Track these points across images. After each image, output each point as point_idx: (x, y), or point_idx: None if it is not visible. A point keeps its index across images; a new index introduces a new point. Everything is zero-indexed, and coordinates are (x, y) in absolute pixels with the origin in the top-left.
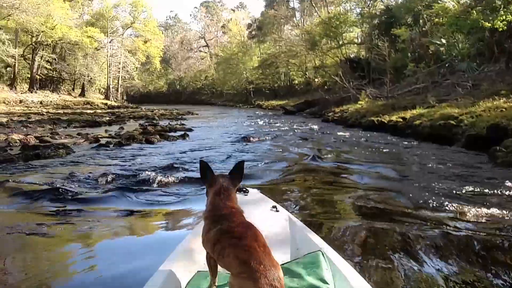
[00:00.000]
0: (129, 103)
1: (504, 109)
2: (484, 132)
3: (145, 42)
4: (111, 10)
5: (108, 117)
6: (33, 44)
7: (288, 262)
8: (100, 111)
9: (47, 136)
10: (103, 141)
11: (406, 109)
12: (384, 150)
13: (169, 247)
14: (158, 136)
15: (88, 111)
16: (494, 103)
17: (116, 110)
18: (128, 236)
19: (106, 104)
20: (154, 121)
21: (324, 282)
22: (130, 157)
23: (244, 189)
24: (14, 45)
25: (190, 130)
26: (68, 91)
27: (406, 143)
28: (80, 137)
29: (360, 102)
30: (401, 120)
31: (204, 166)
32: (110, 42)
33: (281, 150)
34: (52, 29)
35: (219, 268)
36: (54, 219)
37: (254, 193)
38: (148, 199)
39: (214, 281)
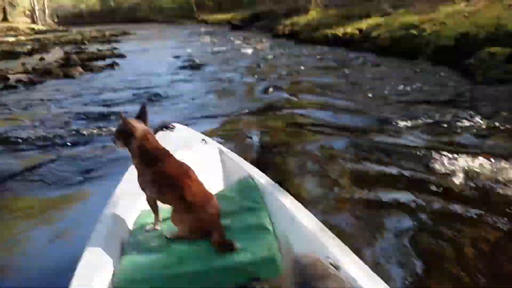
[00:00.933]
0: (60, 25)
1: (467, 15)
2: (453, 43)
3: None
4: None
5: (30, 46)
6: None
7: (221, 190)
8: (24, 37)
9: None
10: (13, 79)
11: (361, 18)
12: (341, 71)
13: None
14: (80, 68)
15: (10, 39)
16: (454, 7)
17: (43, 35)
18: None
19: (33, 29)
20: (82, 47)
21: (256, 202)
22: (38, 101)
23: (170, 125)
24: None
25: (122, 56)
26: None
27: (364, 59)
28: None
29: (310, 13)
30: (357, 32)
31: (122, 118)
32: None
33: (227, 79)
34: None
35: (160, 204)
36: None
37: (181, 128)
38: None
39: (157, 217)
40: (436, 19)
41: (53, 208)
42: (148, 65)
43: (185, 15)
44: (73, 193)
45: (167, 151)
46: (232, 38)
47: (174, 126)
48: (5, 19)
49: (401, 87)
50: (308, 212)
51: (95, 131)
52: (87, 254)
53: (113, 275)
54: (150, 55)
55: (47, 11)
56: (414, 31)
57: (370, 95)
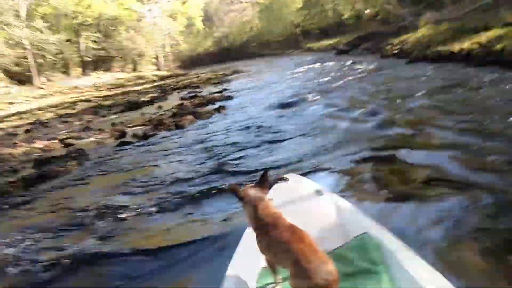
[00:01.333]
0: (181, 69)
1: None
2: None
3: (183, 3)
4: None
5: (152, 93)
6: (75, 26)
7: (338, 248)
8: (149, 85)
9: (75, 136)
10: (130, 133)
11: (477, 31)
12: (466, 91)
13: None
14: (190, 116)
15: (137, 88)
16: None
17: (165, 81)
18: None
19: (157, 75)
20: (197, 90)
21: (376, 264)
22: (147, 159)
23: (283, 177)
24: (57, 30)
25: (230, 98)
26: (121, 68)
27: (490, 75)
28: (107, 131)
29: (420, 30)
30: (476, 46)
31: (232, 190)
32: (149, 10)
33: (335, 114)
34: (88, 8)
35: None
36: None
37: (295, 179)
38: None
39: (277, 277)
40: None
41: None
42: (254, 106)
43: (292, 45)
44: None
45: (279, 216)
46: (335, 63)
47: (287, 178)
48: (135, 69)
49: None
50: (439, 275)
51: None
52: None
53: None
54: (258, 93)
55: (169, 58)
56: None
57: None
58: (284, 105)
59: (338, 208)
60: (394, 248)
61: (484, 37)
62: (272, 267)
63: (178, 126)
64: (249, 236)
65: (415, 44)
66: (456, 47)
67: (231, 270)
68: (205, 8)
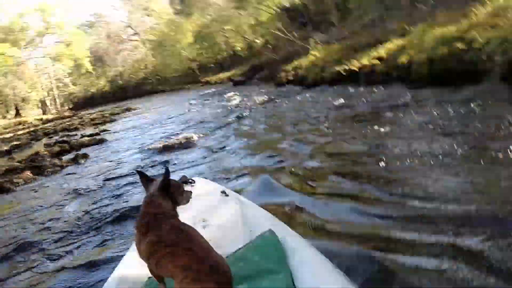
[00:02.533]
0: (72, 111)
1: None
2: None
3: (68, 45)
4: (18, 21)
5: (20, 140)
6: None
7: (241, 248)
8: (24, 131)
9: None
10: None
11: (372, 46)
12: (382, 120)
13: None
14: (28, 173)
15: (6, 136)
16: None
17: (45, 125)
18: None
19: (41, 119)
20: (72, 134)
21: (278, 262)
22: None
23: (190, 180)
24: None
25: (102, 141)
26: (2, 114)
27: (409, 95)
28: None
29: (312, 53)
30: (377, 61)
31: (139, 173)
32: (29, 54)
33: (219, 159)
34: None
35: None
36: None
37: (201, 181)
38: None
39: (163, 286)
40: (484, 23)
41: None
42: (126, 150)
43: (190, 80)
44: None
45: (165, 215)
46: (228, 96)
47: (194, 181)
48: (17, 114)
49: None
50: (340, 272)
51: None
52: None
53: None
54: (139, 133)
55: (57, 101)
56: (459, 45)
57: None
58: (155, 152)
59: (242, 208)
60: (296, 246)
61: (384, 50)
62: (156, 274)
63: (3, 190)
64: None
65: (309, 68)
66: (356, 64)
67: (112, 277)
68: (93, 48)
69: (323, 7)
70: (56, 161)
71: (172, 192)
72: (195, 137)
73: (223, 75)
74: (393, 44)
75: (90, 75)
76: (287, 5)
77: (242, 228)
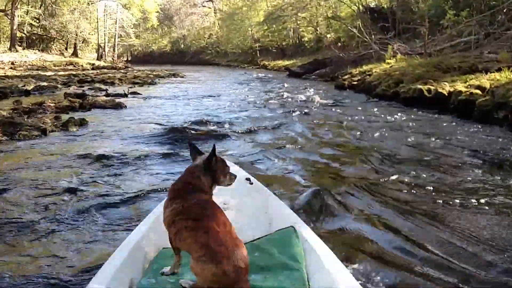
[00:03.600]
0: (130, 63)
1: None
2: None
3: None
4: None
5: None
6: None
7: (259, 238)
8: (65, 72)
9: None
10: None
11: (461, 70)
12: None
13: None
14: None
15: (48, 73)
16: None
17: (94, 71)
18: None
19: (93, 64)
20: (103, 87)
21: (295, 260)
22: None
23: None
24: None
25: (119, 106)
26: (60, 50)
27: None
28: None
29: (388, 61)
30: (477, 91)
31: (192, 148)
32: None
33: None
34: None
35: None
36: None
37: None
38: None
39: (178, 260)
40: None
41: None
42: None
43: (248, 60)
44: None
45: (196, 187)
46: (283, 86)
47: (235, 176)
48: (74, 54)
49: None
50: (352, 277)
51: None
52: None
53: None
54: (166, 106)
55: (116, 50)
56: None
57: None
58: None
59: (265, 199)
60: (315, 247)
61: (484, 79)
62: (174, 245)
63: None
64: (156, 213)
65: (381, 76)
66: (446, 88)
67: (124, 245)
68: (166, 6)
69: (412, 16)
70: (47, 120)
71: (215, 170)
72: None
73: (282, 62)
74: (500, 76)
75: (155, 31)
76: (372, 5)
77: (262, 219)
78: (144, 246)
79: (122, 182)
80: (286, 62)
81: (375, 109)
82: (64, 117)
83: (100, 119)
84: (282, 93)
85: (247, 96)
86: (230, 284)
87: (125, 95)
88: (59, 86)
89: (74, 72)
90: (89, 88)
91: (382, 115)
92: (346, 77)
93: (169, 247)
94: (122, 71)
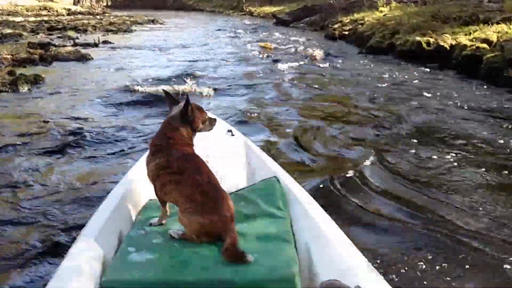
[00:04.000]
0: (109, 9)
1: None
2: None
3: None
4: None
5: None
6: None
7: (243, 188)
8: (36, 18)
9: None
10: None
11: (461, 20)
12: None
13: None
14: None
15: (17, 19)
16: None
17: (68, 17)
18: None
19: (68, 10)
20: (73, 36)
21: (279, 208)
22: None
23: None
24: None
25: (84, 59)
26: None
27: None
28: None
29: (381, 9)
30: (484, 45)
31: (167, 96)
32: None
33: None
34: None
35: None
36: None
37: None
38: None
39: (165, 212)
40: None
41: None
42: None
43: (233, 6)
44: None
45: (179, 141)
46: (267, 34)
47: (215, 120)
48: None
49: None
50: (335, 225)
51: None
52: (79, 244)
53: (103, 271)
54: (136, 58)
55: None
56: None
57: None
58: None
59: (248, 150)
60: (298, 196)
61: (490, 31)
62: (160, 198)
63: None
64: (140, 166)
65: (374, 26)
66: (447, 40)
67: (111, 197)
68: None
69: None
70: None
71: (192, 118)
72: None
73: (269, 9)
74: (510, 27)
75: None
76: None
77: (245, 170)
78: (130, 198)
79: (79, 153)
80: (274, 9)
81: (371, 65)
82: (23, 71)
83: (60, 75)
84: (261, 46)
85: (229, 47)
86: (218, 233)
87: (95, 45)
88: (25, 34)
89: (46, 18)
90: (58, 37)
91: (377, 72)
92: (336, 26)
93: (156, 198)
94: (98, 17)
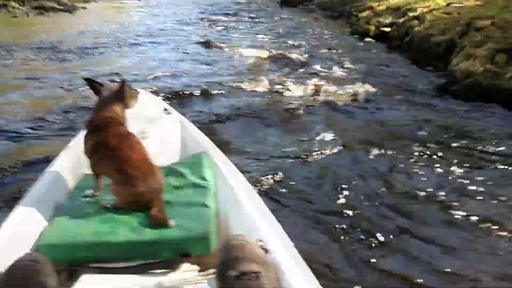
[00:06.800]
0: None
1: None
2: None
3: None
4: None
5: None
6: None
7: (176, 163)
8: None
9: None
10: None
11: None
12: None
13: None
14: None
15: None
16: None
17: None
18: None
19: None
20: None
21: (205, 179)
22: None
23: (134, 90)
24: None
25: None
26: None
27: None
28: None
29: None
30: None
31: (87, 80)
32: None
33: None
34: None
35: None
36: None
37: (145, 94)
38: None
39: (99, 184)
40: None
41: None
42: None
43: None
44: None
45: (115, 121)
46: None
47: (138, 92)
48: None
49: None
50: (256, 195)
51: None
52: (17, 212)
53: (39, 237)
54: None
55: None
56: None
57: None
58: None
59: (182, 128)
60: (226, 170)
61: None
62: (95, 172)
63: None
64: (77, 142)
65: (439, 23)
66: None
67: (49, 170)
68: None
69: None
70: None
71: (125, 97)
72: None
73: None
74: None
75: None
76: None
77: (179, 146)
78: (67, 172)
79: None
80: None
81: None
82: None
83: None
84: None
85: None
86: (146, 203)
87: None
88: None
89: None
90: None
91: None
92: (365, 14)
93: (91, 173)
94: None
